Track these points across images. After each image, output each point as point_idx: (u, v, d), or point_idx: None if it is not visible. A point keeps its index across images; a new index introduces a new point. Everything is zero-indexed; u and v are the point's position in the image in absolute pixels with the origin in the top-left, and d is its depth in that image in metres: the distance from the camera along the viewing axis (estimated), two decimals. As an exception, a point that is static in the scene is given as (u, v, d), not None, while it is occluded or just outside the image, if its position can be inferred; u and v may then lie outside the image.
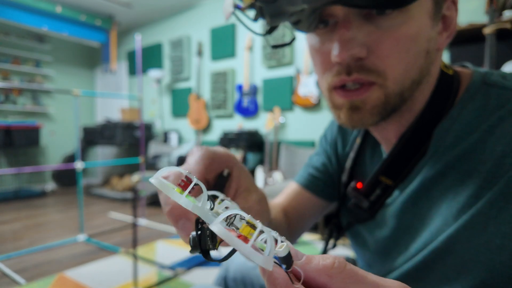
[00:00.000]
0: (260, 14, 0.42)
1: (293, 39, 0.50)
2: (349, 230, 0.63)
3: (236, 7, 0.43)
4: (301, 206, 0.67)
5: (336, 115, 0.47)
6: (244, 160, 3.60)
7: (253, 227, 0.21)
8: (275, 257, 0.20)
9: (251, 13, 0.45)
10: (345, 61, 0.41)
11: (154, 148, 4.57)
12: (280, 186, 2.75)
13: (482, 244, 0.38)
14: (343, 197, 0.64)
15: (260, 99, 3.94)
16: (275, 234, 0.21)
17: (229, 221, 0.23)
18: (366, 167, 0.60)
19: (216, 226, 0.20)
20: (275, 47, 0.50)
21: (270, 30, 0.47)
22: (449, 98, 0.46)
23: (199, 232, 0.25)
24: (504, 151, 0.38)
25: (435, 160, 0.45)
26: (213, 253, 0.25)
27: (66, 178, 5.38)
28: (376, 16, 0.40)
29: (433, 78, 0.47)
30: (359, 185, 0.57)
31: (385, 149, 0.55)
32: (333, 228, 0.67)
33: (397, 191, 0.50)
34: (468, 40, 2.39)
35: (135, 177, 1.77)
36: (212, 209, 0.26)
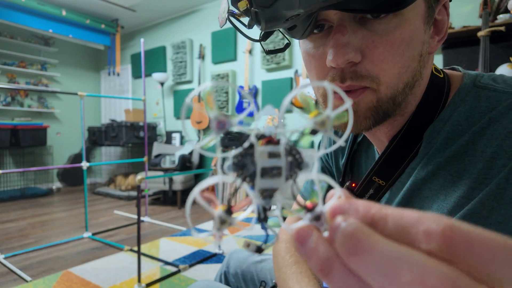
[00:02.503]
0: (255, 20, 0.41)
1: (288, 45, 0.50)
2: None
3: (231, 13, 0.43)
4: None
5: None
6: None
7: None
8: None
9: (246, 19, 0.44)
10: (340, 66, 0.41)
11: (157, 148, 4.63)
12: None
13: None
14: None
15: (259, 101, 3.99)
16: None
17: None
18: (360, 168, 0.61)
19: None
20: (270, 52, 0.50)
21: (265, 36, 0.47)
22: (440, 101, 0.46)
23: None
24: (495, 153, 0.38)
25: (426, 161, 0.45)
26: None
27: (71, 178, 5.41)
28: (370, 20, 0.40)
29: (425, 81, 0.47)
30: (354, 186, 0.57)
31: (378, 151, 0.56)
32: None
33: (389, 192, 0.51)
34: (462, 43, 2.40)
35: (140, 177, 1.83)
36: None
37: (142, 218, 3.37)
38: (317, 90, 0.48)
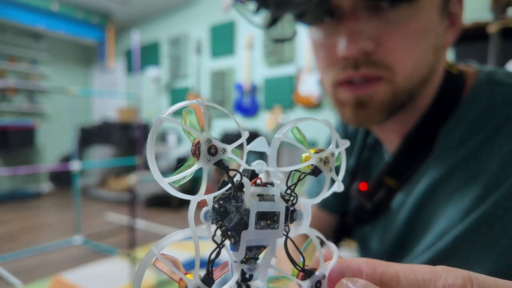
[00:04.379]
0: (263, 5, 0.40)
1: (295, 34, 0.49)
2: (353, 231, 0.63)
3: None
4: (320, 228, 0.64)
5: (340, 112, 0.46)
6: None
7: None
8: None
9: (250, 7, 0.43)
10: (353, 55, 0.39)
11: (152, 148, 4.54)
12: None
13: (488, 246, 0.37)
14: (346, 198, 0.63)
15: (260, 97, 3.91)
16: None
17: None
18: (370, 168, 0.59)
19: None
20: (277, 41, 0.50)
21: (272, 22, 0.45)
22: (454, 97, 0.45)
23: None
24: (511, 151, 0.37)
25: (440, 161, 0.44)
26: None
27: (62, 179, 5.33)
28: (384, 8, 0.39)
29: (438, 76, 0.46)
30: (363, 186, 0.55)
31: (388, 149, 0.54)
32: (338, 230, 0.66)
33: (401, 193, 0.49)
34: (472, 38, 2.37)
35: (133, 178, 1.73)
36: None
37: (136, 221, 3.28)
38: (323, 80, 0.47)
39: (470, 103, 0.43)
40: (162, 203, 4.09)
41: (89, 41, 5.34)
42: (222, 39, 4.20)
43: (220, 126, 4.22)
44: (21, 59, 5.12)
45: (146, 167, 4.11)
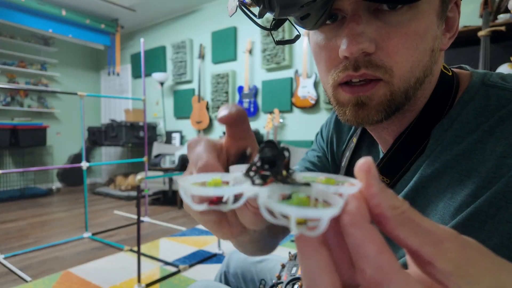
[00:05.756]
0: (268, 7, 0.40)
1: (298, 37, 0.49)
2: None
3: (242, 2, 0.43)
4: None
5: (341, 113, 0.46)
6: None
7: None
8: None
9: (255, 10, 0.44)
10: (354, 55, 0.40)
11: (157, 148, 4.63)
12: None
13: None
14: None
15: (260, 100, 3.99)
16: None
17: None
18: None
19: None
20: (280, 43, 0.50)
21: (277, 24, 0.46)
22: (449, 99, 0.45)
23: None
24: (505, 152, 0.37)
25: (433, 159, 0.44)
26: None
27: (71, 178, 5.40)
28: (385, 11, 0.40)
29: (435, 78, 0.46)
30: None
31: (383, 149, 0.55)
32: None
33: (393, 189, 0.49)
34: (463, 42, 2.40)
35: (139, 176, 1.82)
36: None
37: (142, 218, 3.36)
38: (325, 83, 0.48)
39: (464, 104, 0.44)
40: (167, 201, 4.17)
41: (97, 46, 5.39)
42: (225, 44, 4.27)
43: (221, 128, 4.31)
44: (31, 63, 5.20)
45: (151, 167, 4.22)
